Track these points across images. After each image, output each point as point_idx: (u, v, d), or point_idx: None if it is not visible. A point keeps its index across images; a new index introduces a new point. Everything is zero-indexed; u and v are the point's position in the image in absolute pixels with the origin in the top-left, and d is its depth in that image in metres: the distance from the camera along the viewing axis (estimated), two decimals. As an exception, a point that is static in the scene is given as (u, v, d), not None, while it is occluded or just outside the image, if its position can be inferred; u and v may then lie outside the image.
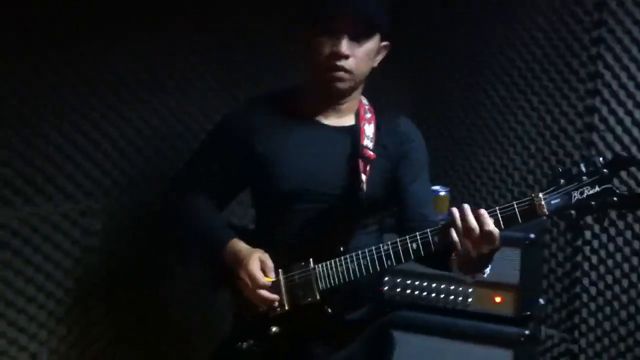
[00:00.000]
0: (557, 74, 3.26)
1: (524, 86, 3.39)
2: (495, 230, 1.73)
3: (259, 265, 1.93)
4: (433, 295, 3.01)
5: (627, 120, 3.05)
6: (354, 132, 2.02)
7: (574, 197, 1.64)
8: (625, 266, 3.09)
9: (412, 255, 1.84)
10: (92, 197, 2.53)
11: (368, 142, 2.00)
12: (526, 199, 1.72)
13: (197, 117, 2.84)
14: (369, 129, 2.02)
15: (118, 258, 2.62)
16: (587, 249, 3.19)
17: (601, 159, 1.64)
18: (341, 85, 1.93)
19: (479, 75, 3.56)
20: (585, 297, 3.22)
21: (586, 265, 3.20)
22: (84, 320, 2.55)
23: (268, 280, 1.92)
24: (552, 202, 1.67)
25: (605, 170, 1.62)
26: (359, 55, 1.90)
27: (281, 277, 1.95)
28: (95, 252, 2.55)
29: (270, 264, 1.94)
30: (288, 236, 2.02)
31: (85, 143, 2.49)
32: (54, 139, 2.40)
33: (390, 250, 1.84)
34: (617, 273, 3.12)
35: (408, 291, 3.04)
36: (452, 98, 3.70)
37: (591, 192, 1.62)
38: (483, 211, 1.74)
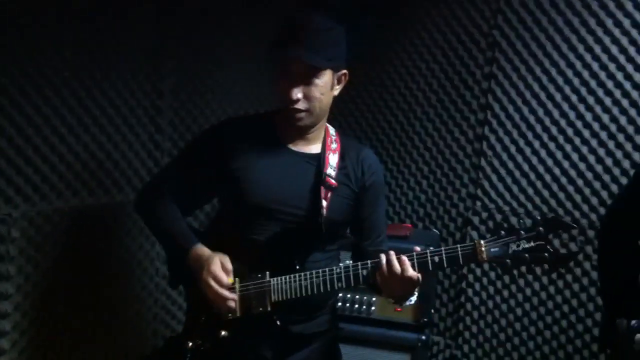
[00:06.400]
0: (450, 104, 3.56)
1: (420, 113, 3.67)
2: (414, 275, 1.95)
3: (221, 267, 2.04)
4: (339, 304, 3.18)
5: (512, 148, 3.39)
6: (319, 160, 2.16)
7: (511, 248, 1.87)
8: (506, 278, 3.42)
9: (361, 281, 2.02)
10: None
11: (331, 171, 2.14)
12: (469, 244, 1.92)
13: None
14: (333, 159, 2.16)
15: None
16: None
17: (539, 218, 1.88)
18: (301, 123, 2.07)
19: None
20: (469, 307, 3.53)
21: (471, 277, 3.51)
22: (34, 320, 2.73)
23: (230, 281, 2.03)
24: (492, 250, 1.90)
25: (541, 229, 1.85)
26: (313, 95, 2.02)
27: (237, 285, 2.07)
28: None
29: (229, 266, 2.05)
30: (249, 248, 2.13)
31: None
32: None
33: (342, 274, 2.02)
34: (499, 284, 3.44)
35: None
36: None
37: (527, 246, 1.86)
38: (405, 258, 1.95)
